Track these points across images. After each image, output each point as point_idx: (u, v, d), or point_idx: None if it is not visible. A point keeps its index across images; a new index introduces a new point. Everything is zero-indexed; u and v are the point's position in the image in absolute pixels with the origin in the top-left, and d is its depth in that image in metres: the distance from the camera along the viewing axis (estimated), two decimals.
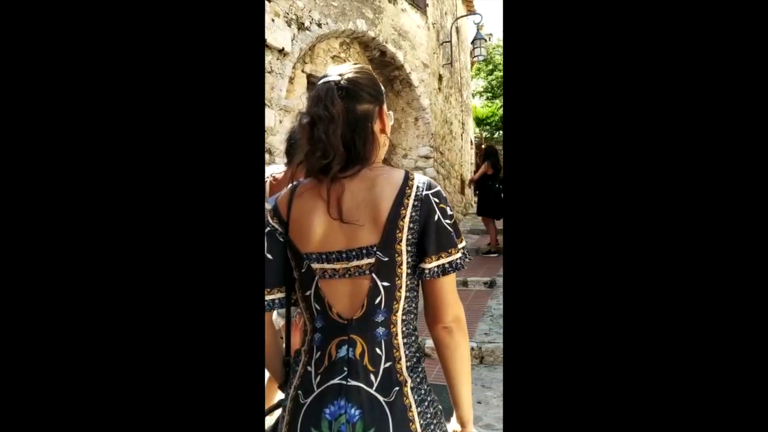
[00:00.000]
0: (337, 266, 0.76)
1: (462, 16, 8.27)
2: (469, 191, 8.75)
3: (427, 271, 0.76)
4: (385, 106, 0.83)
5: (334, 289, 0.77)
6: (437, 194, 0.78)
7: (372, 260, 0.75)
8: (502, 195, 5.53)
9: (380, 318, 0.75)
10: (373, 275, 0.75)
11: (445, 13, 7.42)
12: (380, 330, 0.75)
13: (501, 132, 14.09)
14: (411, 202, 0.76)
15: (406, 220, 0.75)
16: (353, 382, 0.73)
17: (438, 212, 0.77)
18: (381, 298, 0.75)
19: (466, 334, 0.80)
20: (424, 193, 0.77)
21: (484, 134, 14.20)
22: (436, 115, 6.48)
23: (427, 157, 6.00)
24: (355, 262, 0.75)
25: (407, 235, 0.75)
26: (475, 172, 9.38)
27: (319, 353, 0.77)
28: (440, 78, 6.86)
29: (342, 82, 0.78)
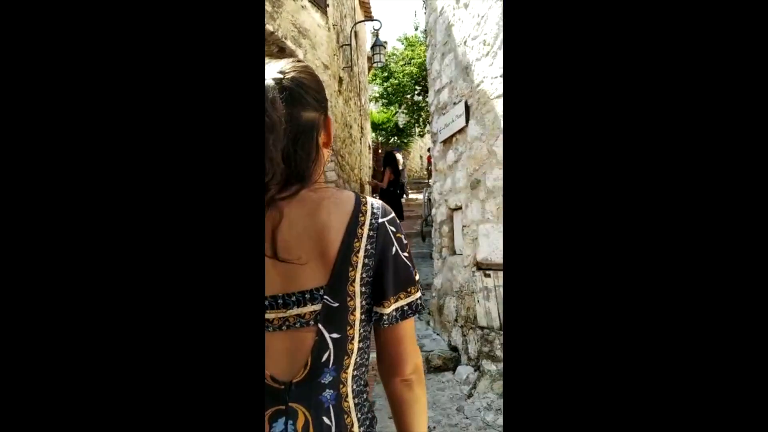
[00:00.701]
0: (270, 316, 0.59)
1: (362, 21, 8.29)
2: (367, 194, 8.79)
3: (385, 317, 0.63)
4: (330, 114, 0.68)
5: (267, 345, 0.59)
6: (393, 221, 0.65)
7: (317, 307, 0.59)
8: (402, 199, 5.66)
9: (327, 378, 0.60)
10: (319, 326, 0.59)
11: (345, 16, 7.34)
12: (328, 393, 0.60)
13: (396, 138, 14.52)
14: (366, 232, 0.62)
15: (361, 254, 0.61)
16: None
17: (396, 244, 0.64)
18: (329, 354, 0.60)
19: (424, 385, 0.68)
20: (380, 220, 0.64)
21: (380, 139, 14.49)
22: (337, 118, 6.35)
23: (328, 161, 5.84)
24: (296, 310, 0.59)
25: (361, 274, 0.61)
26: (373, 177, 9.52)
27: None
28: (340, 81, 6.76)
29: (284, 82, 0.61)
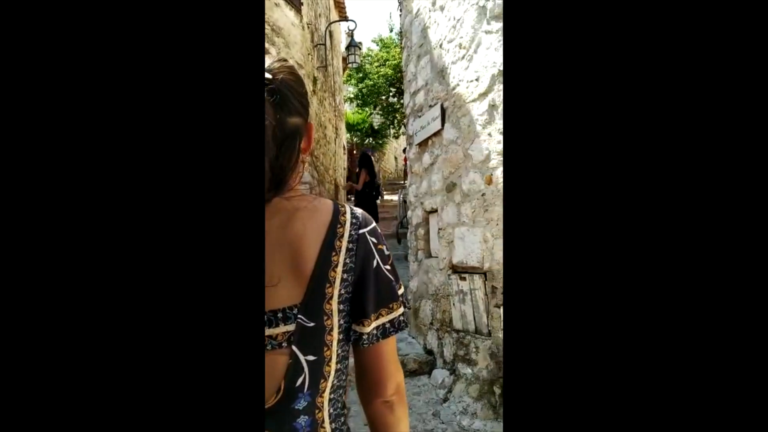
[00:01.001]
0: None
1: (336, 21, 8.21)
2: (342, 196, 8.73)
3: (365, 337, 0.59)
4: (310, 120, 0.64)
5: None
6: (374, 232, 0.61)
7: (291, 327, 0.55)
8: (378, 201, 5.63)
9: (302, 404, 0.56)
10: (293, 348, 0.55)
11: (319, 15, 7.25)
12: (302, 420, 0.56)
13: (371, 138, 14.49)
14: (344, 244, 0.58)
15: (339, 269, 0.57)
16: None
17: (377, 256, 0.60)
18: (304, 378, 0.55)
19: (406, 406, 0.64)
20: (360, 231, 0.60)
21: (355, 140, 14.42)
22: (311, 119, 6.27)
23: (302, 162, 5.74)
24: (267, 331, 0.54)
25: (340, 290, 0.57)
26: (348, 178, 9.44)
27: None
28: (315, 80, 6.67)
29: (274, 85, 0.56)
